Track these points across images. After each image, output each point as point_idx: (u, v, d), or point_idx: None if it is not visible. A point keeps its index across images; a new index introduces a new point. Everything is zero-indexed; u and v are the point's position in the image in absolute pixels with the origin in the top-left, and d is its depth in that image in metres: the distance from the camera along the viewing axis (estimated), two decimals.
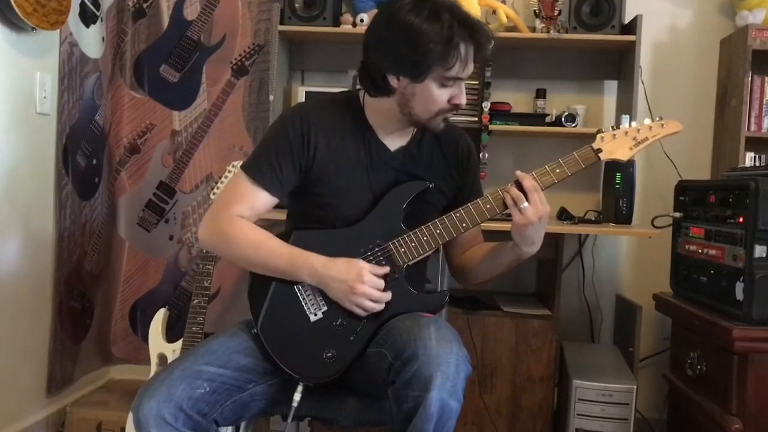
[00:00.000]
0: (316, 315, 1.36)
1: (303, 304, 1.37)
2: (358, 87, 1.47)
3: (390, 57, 1.32)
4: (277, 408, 1.40)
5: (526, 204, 1.30)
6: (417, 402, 1.15)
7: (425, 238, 1.37)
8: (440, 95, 1.34)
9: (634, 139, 1.41)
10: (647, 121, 1.42)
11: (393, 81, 1.34)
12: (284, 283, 1.37)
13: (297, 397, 1.33)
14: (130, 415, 2.03)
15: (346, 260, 1.33)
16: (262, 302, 1.38)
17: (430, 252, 1.40)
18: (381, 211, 1.40)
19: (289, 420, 1.33)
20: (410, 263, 1.38)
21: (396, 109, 1.39)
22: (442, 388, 1.15)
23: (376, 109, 1.43)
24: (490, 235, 1.55)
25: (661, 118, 1.43)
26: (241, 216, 1.39)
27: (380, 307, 1.33)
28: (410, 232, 1.38)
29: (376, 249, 1.38)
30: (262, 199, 1.40)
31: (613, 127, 1.43)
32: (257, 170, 1.40)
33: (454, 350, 1.19)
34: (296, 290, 1.37)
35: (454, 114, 1.44)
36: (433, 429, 1.15)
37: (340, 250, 1.36)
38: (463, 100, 1.36)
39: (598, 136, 1.42)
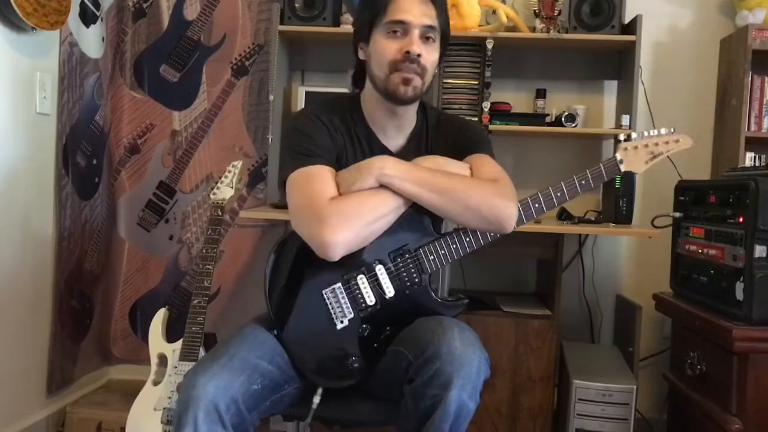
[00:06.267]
0: (342, 322, 1.35)
1: (330, 310, 1.35)
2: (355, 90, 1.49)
3: (355, 30, 1.43)
4: (292, 411, 1.40)
5: None
6: (435, 400, 1.15)
7: (454, 246, 1.36)
8: (388, 44, 1.33)
9: (651, 153, 1.43)
10: (663, 132, 1.43)
11: (361, 54, 1.41)
12: (311, 289, 1.35)
13: (316, 400, 1.33)
14: (130, 415, 2.05)
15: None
16: (289, 309, 1.36)
17: (458, 259, 1.39)
18: (410, 213, 1.35)
19: (308, 420, 1.33)
20: (437, 269, 1.38)
21: (376, 93, 1.39)
22: (463, 389, 1.15)
23: (370, 106, 1.44)
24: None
25: (673, 131, 1.44)
26: (333, 197, 1.29)
27: None
28: (439, 239, 1.36)
29: (407, 255, 1.36)
30: (331, 174, 1.33)
31: (630, 136, 1.44)
32: (307, 157, 1.33)
33: (477, 353, 1.20)
34: (324, 297, 1.35)
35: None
36: (450, 428, 1.15)
37: (367, 256, 1.34)
38: (414, 48, 1.31)
39: (621, 146, 1.43)
